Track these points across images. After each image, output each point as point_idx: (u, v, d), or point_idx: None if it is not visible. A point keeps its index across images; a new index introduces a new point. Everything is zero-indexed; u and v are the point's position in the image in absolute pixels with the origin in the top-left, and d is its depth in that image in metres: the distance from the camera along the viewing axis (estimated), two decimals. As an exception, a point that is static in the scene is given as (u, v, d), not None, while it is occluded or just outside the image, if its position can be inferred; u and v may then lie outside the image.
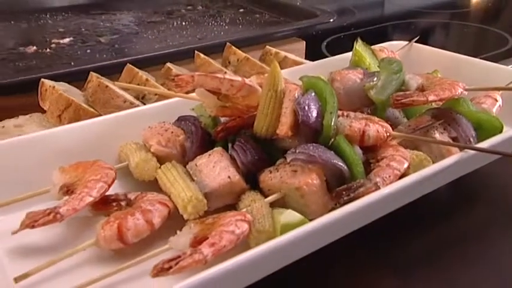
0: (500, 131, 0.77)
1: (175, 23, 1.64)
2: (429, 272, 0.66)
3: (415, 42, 1.13)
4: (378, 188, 0.64)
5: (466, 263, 0.69)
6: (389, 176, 0.66)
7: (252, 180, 0.71)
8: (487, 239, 0.74)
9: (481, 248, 0.72)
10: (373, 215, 0.65)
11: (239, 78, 0.72)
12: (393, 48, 1.06)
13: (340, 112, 0.73)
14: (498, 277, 0.67)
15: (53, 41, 1.43)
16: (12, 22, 1.63)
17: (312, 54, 1.36)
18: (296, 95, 0.71)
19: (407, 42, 1.12)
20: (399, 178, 0.66)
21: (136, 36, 1.52)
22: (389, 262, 0.68)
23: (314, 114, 0.70)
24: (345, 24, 1.82)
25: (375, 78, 0.82)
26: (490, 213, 0.80)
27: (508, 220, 0.79)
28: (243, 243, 0.59)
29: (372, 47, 0.99)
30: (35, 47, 1.36)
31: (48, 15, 1.70)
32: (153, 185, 0.73)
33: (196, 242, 0.58)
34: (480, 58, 1.06)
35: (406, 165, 0.68)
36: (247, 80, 0.73)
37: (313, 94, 0.72)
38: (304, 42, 1.41)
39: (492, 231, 0.76)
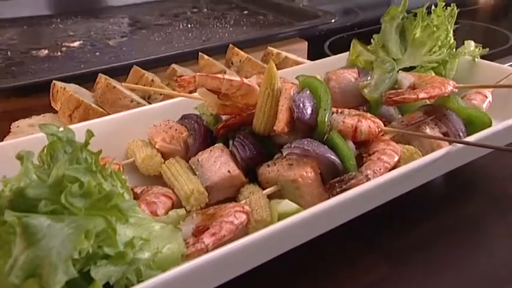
0: (489, 126, 0.79)
1: (181, 25, 1.69)
2: (420, 261, 0.68)
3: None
4: (368, 179, 0.67)
5: (459, 252, 0.70)
6: (380, 169, 0.69)
7: (250, 174, 0.75)
8: (480, 229, 0.76)
9: (474, 237, 0.73)
10: (365, 206, 0.67)
11: (238, 78, 0.76)
12: (390, 47, 1.08)
13: (334, 109, 0.77)
14: (491, 264, 0.68)
15: (63, 44, 1.48)
16: (25, 27, 1.69)
17: (315, 54, 1.38)
18: (292, 93, 0.75)
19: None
20: (390, 171, 0.69)
21: (143, 38, 1.57)
22: (381, 250, 0.70)
23: (309, 111, 0.73)
24: (348, 24, 1.84)
25: (369, 77, 0.85)
26: (484, 204, 0.82)
27: (501, 210, 0.81)
28: (242, 233, 0.62)
29: (369, 46, 1.02)
30: (46, 51, 1.41)
31: (59, 20, 1.75)
32: (158, 180, 0.77)
33: (198, 232, 0.62)
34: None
35: (396, 158, 0.71)
36: (245, 80, 0.77)
37: (308, 92, 0.76)
38: (306, 42, 1.44)
39: (486, 221, 0.78)
